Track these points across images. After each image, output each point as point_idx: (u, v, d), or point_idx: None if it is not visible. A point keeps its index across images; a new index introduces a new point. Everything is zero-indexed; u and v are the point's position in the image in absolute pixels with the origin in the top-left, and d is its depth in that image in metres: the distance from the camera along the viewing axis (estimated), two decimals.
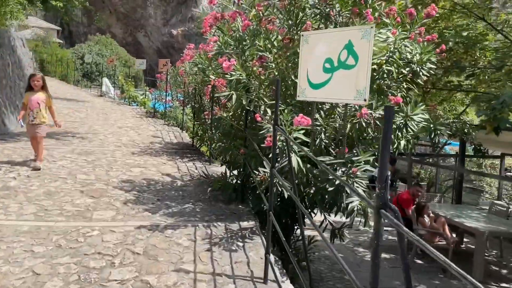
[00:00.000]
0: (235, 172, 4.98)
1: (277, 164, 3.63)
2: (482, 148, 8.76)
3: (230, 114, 5.02)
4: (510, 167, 17.61)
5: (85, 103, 14.05)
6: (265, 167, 3.73)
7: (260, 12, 4.41)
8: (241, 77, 3.72)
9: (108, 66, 17.49)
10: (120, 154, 6.74)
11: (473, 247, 7.39)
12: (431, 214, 7.00)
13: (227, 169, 5.48)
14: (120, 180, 5.22)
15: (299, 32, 4.16)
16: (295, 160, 3.39)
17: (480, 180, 16.70)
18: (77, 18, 62.97)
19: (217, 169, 6.19)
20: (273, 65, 4.17)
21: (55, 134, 8.06)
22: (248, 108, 3.66)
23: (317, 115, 3.86)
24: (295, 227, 4.72)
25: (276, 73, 4.22)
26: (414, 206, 7.18)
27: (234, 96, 3.69)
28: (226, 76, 4.10)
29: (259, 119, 3.48)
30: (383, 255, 6.74)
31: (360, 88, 2.01)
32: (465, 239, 8.00)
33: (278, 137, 3.12)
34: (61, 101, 13.84)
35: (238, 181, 4.72)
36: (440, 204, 8.96)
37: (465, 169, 11.87)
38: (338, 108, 3.89)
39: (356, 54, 2.06)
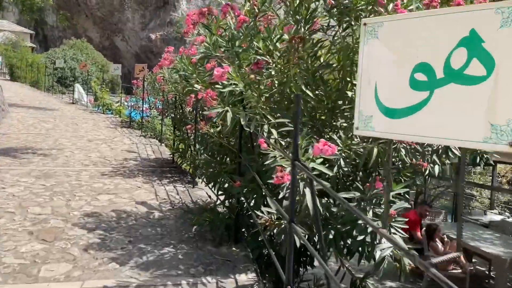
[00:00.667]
0: (225, 200, 4.03)
1: (284, 200, 2.73)
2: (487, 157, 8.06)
3: (218, 130, 4.09)
4: (500, 173, 17.15)
5: (54, 112, 12.83)
6: (270, 206, 2.81)
7: (256, 7, 3.51)
8: (237, 88, 2.79)
9: (81, 71, 16.22)
10: (87, 176, 5.69)
11: (482, 269, 6.66)
12: (445, 238, 6.19)
13: (215, 196, 4.55)
14: (83, 213, 4.19)
15: (309, 29, 3.27)
16: (311, 200, 2.49)
17: (470, 188, 16.17)
18: (52, 22, 60.94)
19: (202, 193, 5.22)
20: (273, 72, 3.26)
21: (12, 151, 6.94)
22: (247, 128, 2.74)
23: (334, 136, 2.97)
24: (301, 271, 3.80)
25: (277, 82, 3.31)
26: (424, 228, 6.37)
27: (229, 114, 2.75)
28: (217, 86, 3.16)
29: (264, 145, 2.55)
30: None
31: (501, 121, 1.12)
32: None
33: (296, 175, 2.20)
34: (28, 110, 12.60)
35: (231, 215, 3.77)
36: (446, 223, 8.19)
37: (466, 181, 11.19)
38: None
39: (491, 56, 1.16)
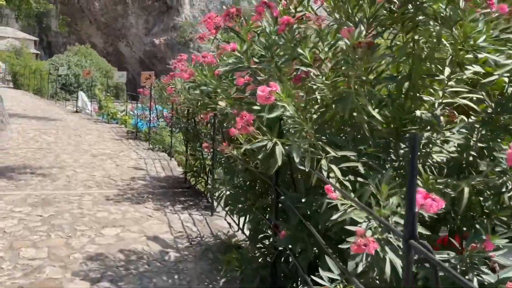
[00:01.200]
0: (256, 240, 3.31)
1: (352, 263, 2.01)
2: None
3: (242, 151, 3.37)
4: None
5: (57, 122, 12.17)
6: (332, 270, 2.09)
7: (292, 7, 2.83)
8: (287, 113, 2.07)
9: (85, 78, 15.56)
10: (90, 201, 4.98)
11: None
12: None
13: (239, 228, 3.87)
14: (86, 255, 3.48)
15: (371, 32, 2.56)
16: None
17: None
18: (56, 28, 60.64)
19: (223, 222, 4.50)
20: (322, 86, 2.54)
21: (9, 170, 6.26)
22: (301, 166, 2.02)
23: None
24: None
25: (326, 100, 2.60)
26: None
27: (279, 148, 2.04)
28: (254, 107, 2.45)
29: (332, 195, 1.83)
30: None
31: None
32: None
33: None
34: (29, 120, 11.95)
35: (267, 263, 3.04)
36: None
37: None
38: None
39: None
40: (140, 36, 60.27)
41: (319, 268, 2.12)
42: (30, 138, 9.25)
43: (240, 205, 3.27)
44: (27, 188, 5.39)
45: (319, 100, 2.62)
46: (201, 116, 5.35)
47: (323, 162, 2.16)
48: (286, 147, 2.14)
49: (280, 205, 2.95)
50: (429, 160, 2.38)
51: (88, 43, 47.11)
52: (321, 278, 2.07)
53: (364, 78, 2.50)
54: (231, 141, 3.59)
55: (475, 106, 2.34)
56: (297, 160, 2.03)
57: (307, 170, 2.09)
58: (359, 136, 2.52)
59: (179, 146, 8.23)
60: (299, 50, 2.56)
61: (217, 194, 3.99)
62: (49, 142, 8.96)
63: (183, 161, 6.80)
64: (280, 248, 2.78)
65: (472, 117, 2.44)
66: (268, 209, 3.16)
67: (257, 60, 2.77)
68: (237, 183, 3.48)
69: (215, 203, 4.69)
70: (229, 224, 4.29)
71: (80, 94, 15.30)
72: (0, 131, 9.45)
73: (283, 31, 2.50)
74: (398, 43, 2.67)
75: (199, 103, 4.70)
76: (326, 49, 2.46)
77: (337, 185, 2.04)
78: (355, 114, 2.37)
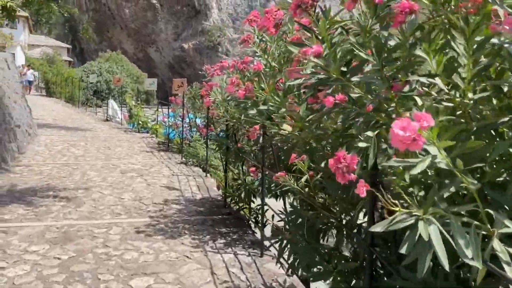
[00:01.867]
0: None
1: None
2: None
3: (305, 181, 2.49)
4: None
5: (86, 133, 11.65)
6: None
7: None
8: (441, 164, 1.18)
9: (116, 85, 15.05)
10: (118, 235, 4.21)
11: None
12: None
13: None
14: None
15: None
16: None
17: None
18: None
19: (275, 268, 3.62)
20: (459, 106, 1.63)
21: (30, 193, 5.61)
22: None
23: None
24: None
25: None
26: None
27: (436, 236, 1.15)
28: (359, 143, 1.57)
29: None
30: None
31: None
32: None
33: None
34: (59, 131, 11.47)
35: None
36: None
37: None
38: None
39: None
40: (169, 41, 60.47)
41: None
42: (58, 152, 8.68)
43: (309, 259, 2.38)
44: (48, 218, 4.68)
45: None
46: (245, 132, 4.51)
47: (496, 243, 1.24)
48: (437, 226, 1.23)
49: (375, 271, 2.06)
50: None
51: (119, 50, 47.50)
52: None
53: None
54: (289, 170, 2.75)
55: None
56: (464, 251, 1.13)
57: (475, 262, 1.19)
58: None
59: (214, 160, 7.44)
60: (418, 53, 1.66)
61: (271, 237, 3.14)
62: (77, 156, 8.35)
63: (220, 179, 5.98)
64: None
65: None
66: (356, 276, 2.25)
67: (344, 69, 1.89)
68: (303, 232, 2.59)
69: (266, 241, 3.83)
70: (286, 272, 3.41)
71: (110, 102, 14.81)
72: (27, 144, 8.93)
73: (401, 24, 1.59)
74: None
75: (242, 119, 3.87)
76: (470, 52, 1.54)
77: None
78: None
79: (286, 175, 2.53)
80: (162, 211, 5.10)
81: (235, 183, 5.14)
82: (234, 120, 4.52)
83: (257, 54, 3.30)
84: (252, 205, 4.73)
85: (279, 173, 2.55)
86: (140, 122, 12.17)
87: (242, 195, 4.88)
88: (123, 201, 5.45)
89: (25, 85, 23.86)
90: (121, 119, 14.29)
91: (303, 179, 2.50)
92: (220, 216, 5.02)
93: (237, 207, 5.08)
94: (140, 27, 59.27)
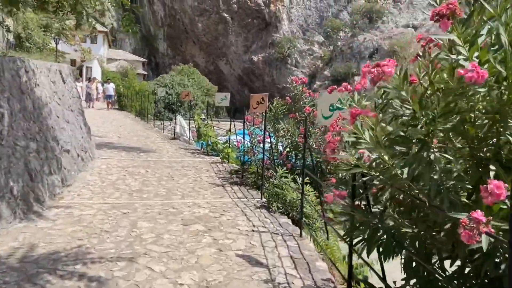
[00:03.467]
0: None
1: None
2: None
3: None
4: None
5: (149, 155, 9.95)
6: None
7: None
8: None
9: (184, 100, 13.35)
10: None
11: None
12: None
13: None
14: None
15: None
16: None
17: None
18: (163, 50, 62.87)
19: None
20: None
21: (47, 267, 3.69)
22: None
23: None
24: None
25: None
26: None
27: None
28: None
29: None
30: None
31: None
32: None
33: None
34: (119, 153, 9.88)
35: None
36: None
37: None
38: None
39: None
40: (239, 54, 59.73)
41: None
42: (111, 184, 6.93)
43: None
44: None
45: None
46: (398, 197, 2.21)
47: None
48: None
49: None
50: None
51: (191, 63, 47.32)
52: None
53: None
54: None
55: None
56: None
57: None
58: None
59: (311, 212, 5.16)
60: None
61: None
62: (132, 192, 6.50)
63: (319, 239, 3.68)
64: None
65: None
66: None
67: None
68: None
69: None
70: None
71: (178, 118, 13.18)
72: (77, 173, 7.29)
73: None
74: None
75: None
76: None
77: None
78: None
79: None
80: None
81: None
82: (380, 177, 2.23)
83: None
84: None
85: None
86: (209, 143, 10.28)
87: None
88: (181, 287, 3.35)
89: (106, 100, 23.53)
90: (189, 137, 12.55)
91: None
92: None
93: None
94: (211, 41, 59.24)
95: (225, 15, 57.94)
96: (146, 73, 47.88)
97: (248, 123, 8.03)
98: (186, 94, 12.24)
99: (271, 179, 6.49)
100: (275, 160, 7.02)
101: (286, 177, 6.03)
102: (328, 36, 54.97)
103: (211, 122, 11.30)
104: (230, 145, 9.31)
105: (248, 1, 57.78)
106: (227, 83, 60.45)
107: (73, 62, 41.18)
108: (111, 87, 23.80)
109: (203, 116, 12.35)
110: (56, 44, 16.57)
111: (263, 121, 6.87)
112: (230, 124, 9.31)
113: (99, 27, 43.08)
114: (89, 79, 26.79)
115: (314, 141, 6.82)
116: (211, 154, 10.42)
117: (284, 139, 7.40)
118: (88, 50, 29.90)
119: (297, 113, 7.50)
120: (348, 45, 51.63)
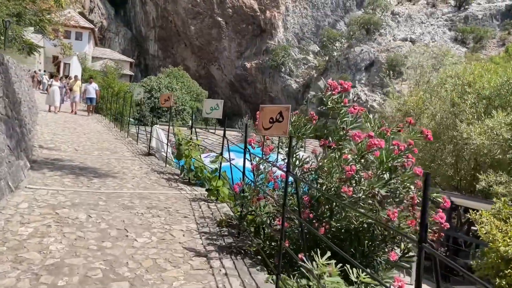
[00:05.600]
0: None
1: None
2: None
3: None
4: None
5: (106, 182, 6.84)
6: None
7: None
8: None
9: (164, 107, 10.21)
10: None
11: None
12: None
13: None
14: None
15: None
16: None
17: None
18: (153, 52, 59.65)
19: None
20: None
21: None
22: None
23: None
24: None
25: None
26: None
27: None
28: None
29: None
30: None
31: None
32: None
33: None
34: (65, 177, 6.79)
35: None
36: None
37: None
38: None
39: None
40: (231, 60, 56.84)
41: None
42: (13, 248, 3.86)
43: None
44: None
45: None
46: None
47: None
48: None
49: None
50: None
51: (181, 66, 44.25)
52: None
53: None
54: None
55: None
56: None
57: None
58: None
59: None
60: None
61: None
62: (41, 270, 3.46)
63: None
64: None
65: None
66: None
67: None
68: None
69: None
70: None
71: (155, 129, 10.01)
72: None
73: None
74: None
75: None
76: None
77: None
78: None
79: None
80: None
81: None
82: None
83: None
84: None
85: None
86: (192, 168, 7.28)
87: None
88: None
89: (87, 103, 19.38)
90: (168, 153, 9.46)
91: None
92: None
93: None
94: (204, 44, 56.29)
95: (219, 19, 55.05)
96: (133, 74, 44.58)
97: (251, 149, 5.05)
98: (166, 98, 9.22)
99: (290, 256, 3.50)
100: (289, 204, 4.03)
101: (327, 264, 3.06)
102: (324, 45, 52.45)
103: (196, 137, 8.23)
104: (221, 176, 6.29)
105: (244, 6, 55.03)
106: (218, 88, 57.44)
107: (55, 58, 37.74)
108: (92, 88, 19.21)
109: (189, 123, 9.29)
110: (6, 28, 13.30)
111: (286, 152, 3.91)
112: (222, 145, 6.31)
113: (83, 23, 39.78)
114: (66, 77, 23.56)
115: (366, 188, 3.87)
116: (193, 183, 7.41)
117: (310, 177, 4.43)
118: (69, 45, 26.55)
119: (330, 139, 4.52)
120: (344, 56, 49.14)
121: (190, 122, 18.39)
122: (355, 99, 46.52)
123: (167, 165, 8.93)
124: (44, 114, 15.98)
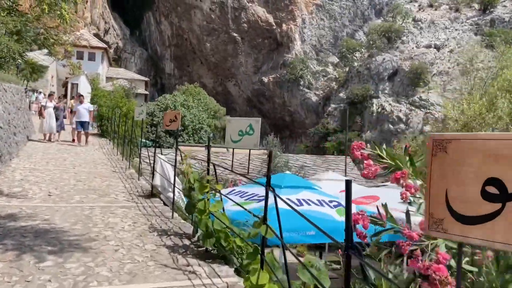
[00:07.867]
0: None
1: None
2: None
3: None
4: None
5: (65, 266, 3.93)
6: None
7: None
8: None
9: (168, 128, 7.27)
10: None
11: None
12: None
13: None
14: None
15: None
16: None
17: None
18: (169, 71, 57.69)
19: None
20: None
21: None
22: None
23: None
24: None
25: None
26: None
27: None
28: None
29: None
30: None
31: None
32: None
33: None
34: (4, 255, 3.85)
35: None
36: None
37: None
38: None
39: None
40: (248, 75, 54.30)
41: None
42: None
43: None
44: None
45: None
46: None
47: None
48: None
49: None
50: None
51: (197, 83, 41.86)
52: None
53: None
54: None
55: None
56: None
57: None
58: None
59: None
60: None
61: None
62: None
63: None
64: None
65: None
66: None
67: None
68: None
69: None
70: None
71: (160, 162, 7.03)
72: None
73: None
74: None
75: None
76: None
77: None
78: None
79: None
80: None
81: None
82: None
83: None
84: None
85: None
86: (212, 231, 4.32)
87: None
88: None
89: (77, 129, 14.30)
90: (173, 201, 6.45)
91: None
92: None
93: None
94: (220, 61, 54.02)
95: (235, 34, 52.77)
96: (148, 93, 42.33)
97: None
98: (173, 118, 6.34)
99: None
100: None
101: None
102: (343, 56, 49.41)
103: (216, 178, 5.20)
104: (266, 260, 3.29)
105: (259, 21, 52.65)
106: (236, 105, 54.84)
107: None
108: (83, 109, 14.17)
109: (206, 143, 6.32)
110: None
111: None
112: (266, 202, 3.32)
113: (96, 43, 37.89)
114: (64, 97, 21.17)
115: None
116: (213, 254, 4.41)
117: None
118: (77, 65, 24.28)
119: None
120: (365, 66, 45.95)
121: (212, 137, 15.47)
122: (379, 110, 43.17)
123: (173, 217, 5.94)
124: (35, 142, 13.33)
